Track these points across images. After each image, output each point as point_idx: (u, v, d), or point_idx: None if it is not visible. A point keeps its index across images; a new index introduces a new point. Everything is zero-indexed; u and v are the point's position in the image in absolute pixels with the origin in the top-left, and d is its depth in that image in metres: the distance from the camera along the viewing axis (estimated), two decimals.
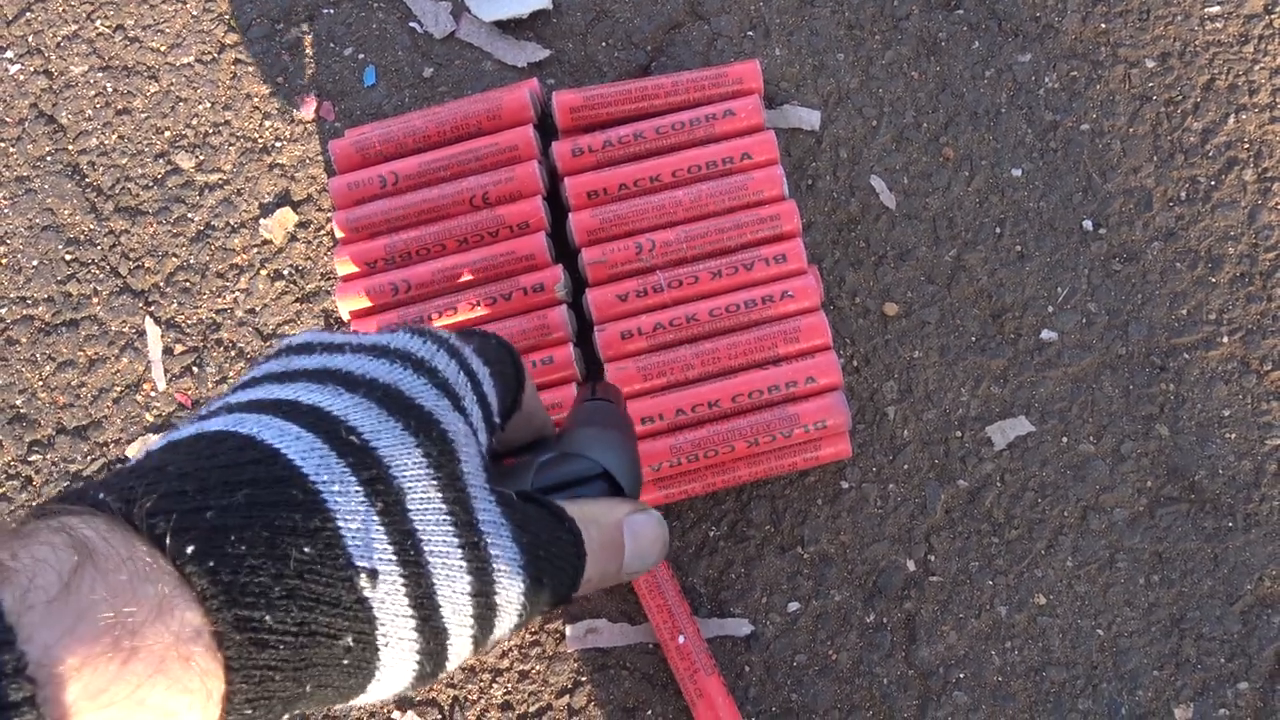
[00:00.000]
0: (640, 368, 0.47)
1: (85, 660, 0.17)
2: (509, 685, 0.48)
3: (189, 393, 0.52)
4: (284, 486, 0.21)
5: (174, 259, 0.54)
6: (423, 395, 0.25)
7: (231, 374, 0.53)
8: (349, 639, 0.22)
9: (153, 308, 0.54)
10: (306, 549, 0.21)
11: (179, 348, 0.53)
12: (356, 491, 0.22)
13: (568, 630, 0.48)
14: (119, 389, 0.53)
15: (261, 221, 0.54)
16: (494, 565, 0.24)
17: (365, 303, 0.49)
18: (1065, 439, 0.49)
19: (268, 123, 0.55)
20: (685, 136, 0.50)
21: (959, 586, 0.48)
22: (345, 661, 0.22)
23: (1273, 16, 0.53)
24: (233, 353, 0.53)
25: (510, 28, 0.55)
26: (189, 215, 0.54)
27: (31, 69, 0.57)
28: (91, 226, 0.55)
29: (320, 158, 0.54)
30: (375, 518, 0.22)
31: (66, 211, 0.55)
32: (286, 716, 0.22)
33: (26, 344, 0.53)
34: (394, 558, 0.22)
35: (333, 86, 0.55)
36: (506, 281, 0.49)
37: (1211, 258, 0.51)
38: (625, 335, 0.48)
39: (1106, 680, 0.47)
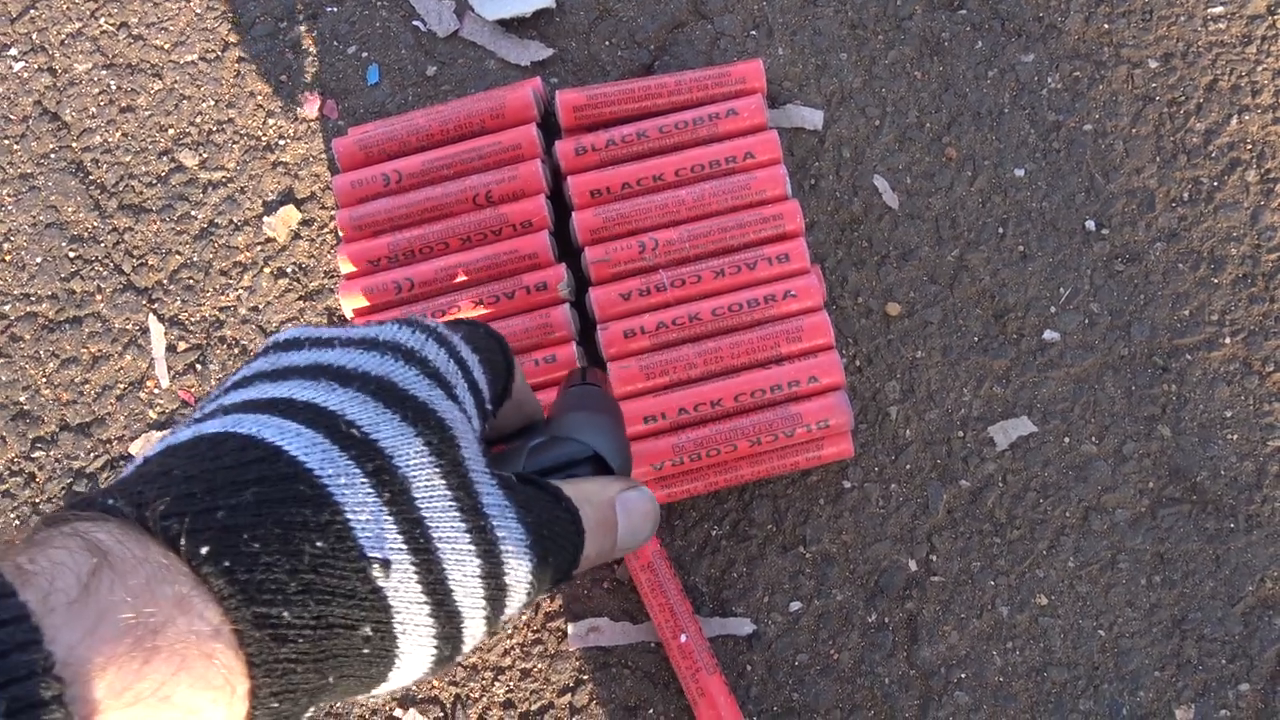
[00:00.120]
0: (643, 366, 0.47)
1: (109, 659, 0.17)
2: (511, 683, 0.48)
3: (192, 390, 0.53)
4: (291, 483, 0.21)
5: (177, 256, 0.54)
6: (416, 385, 0.26)
7: None
8: (367, 629, 0.22)
9: (156, 305, 0.54)
10: (319, 543, 0.21)
11: (182, 345, 0.53)
12: (362, 484, 0.22)
13: (570, 629, 0.48)
14: (122, 386, 0.53)
15: (265, 219, 0.54)
16: (501, 547, 0.25)
17: (368, 301, 0.49)
18: (1067, 439, 0.49)
19: (271, 121, 0.55)
20: (688, 136, 0.50)
21: (961, 586, 0.48)
22: (365, 651, 0.22)
23: (1275, 17, 0.53)
24: (236, 350, 0.53)
25: (513, 26, 0.55)
26: (192, 213, 0.54)
27: (35, 66, 0.57)
28: (95, 224, 0.55)
29: (323, 156, 0.55)
30: (383, 508, 0.22)
31: (70, 209, 0.55)
32: (312, 710, 0.22)
33: (30, 341, 0.54)
34: (404, 546, 0.23)
35: (336, 85, 0.55)
36: (509, 280, 0.49)
37: (1214, 259, 0.51)
38: (628, 334, 0.48)
39: (1108, 681, 0.47)
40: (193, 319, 0.53)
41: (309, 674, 0.21)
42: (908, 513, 0.49)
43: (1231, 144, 0.52)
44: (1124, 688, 0.46)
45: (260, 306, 0.53)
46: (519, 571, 0.25)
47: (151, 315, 0.54)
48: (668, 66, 0.54)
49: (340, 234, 0.51)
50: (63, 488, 0.52)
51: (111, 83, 0.56)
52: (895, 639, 0.47)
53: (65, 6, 0.57)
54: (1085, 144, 0.52)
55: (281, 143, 0.55)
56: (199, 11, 0.57)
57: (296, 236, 0.54)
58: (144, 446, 0.52)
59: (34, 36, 0.57)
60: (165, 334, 0.53)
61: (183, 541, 0.20)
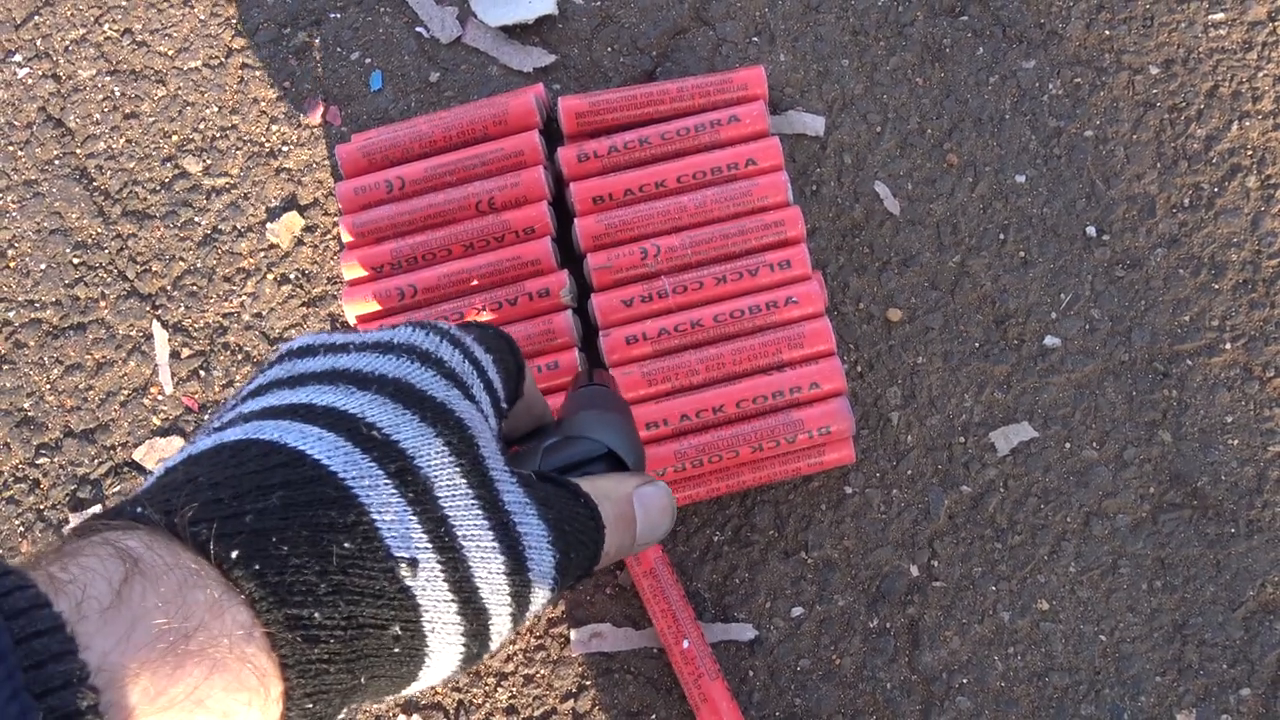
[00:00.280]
0: (645, 373, 0.47)
1: (143, 665, 0.17)
2: (514, 689, 0.48)
3: (196, 396, 0.53)
4: (316, 486, 0.22)
5: (181, 263, 0.54)
6: (433, 386, 0.26)
7: (238, 377, 0.53)
8: (396, 628, 0.22)
9: (160, 311, 0.54)
10: (346, 544, 0.21)
11: (186, 351, 0.53)
12: (386, 484, 0.23)
13: (572, 635, 0.48)
14: (126, 392, 0.53)
15: (268, 226, 0.54)
16: (524, 543, 0.25)
17: (372, 307, 0.49)
18: (1068, 445, 0.49)
19: (274, 127, 0.55)
20: (690, 142, 0.50)
21: (962, 592, 0.48)
22: (396, 650, 0.22)
23: (1276, 23, 0.53)
24: (239, 356, 0.53)
25: (516, 33, 0.55)
26: (196, 219, 0.55)
27: (40, 73, 0.57)
28: (99, 230, 0.55)
29: (327, 162, 0.55)
30: (407, 508, 0.23)
31: (74, 215, 0.55)
32: (345, 711, 0.23)
33: (34, 347, 0.54)
34: (430, 545, 0.23)
35: (339, 91, 0.55)
36: (512, 286, 0.49)
37: (1214, 264, 0.51)
38: (630, 340, 0.48)
39: (1109, 686, 0.47)
40: (196, 325, 0.54)
41: (341, 674, 0.21)
42: (909, 518, 0.49)
43: (1232, 150, 0.52)
44: (1125, 693, 0.47)
45: (264, 313, 0.53)
46: (543, 567, 0.26)
47: (155, 321, 0.54)
48: (670, 73, 0.54)
49: (344, 240, 0.51)
50: (66, 494, 0.52)
51: (115, 89, 0.56)
52: (897, 644, 0.48)
53: (69, 13, 0.58)
54: (1086, 150, 0.52)
55: (285, 149, 0.55)
56: (203, 18, 0.57)
57: (300, 243, 0.54)
58: (147, 453, 0.52)
59: (38, 43, 0.57)
60: (169, 340, 0.53)
61: (212, 546, 0.20)
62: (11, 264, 0.55)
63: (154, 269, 0.54)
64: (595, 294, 0.49)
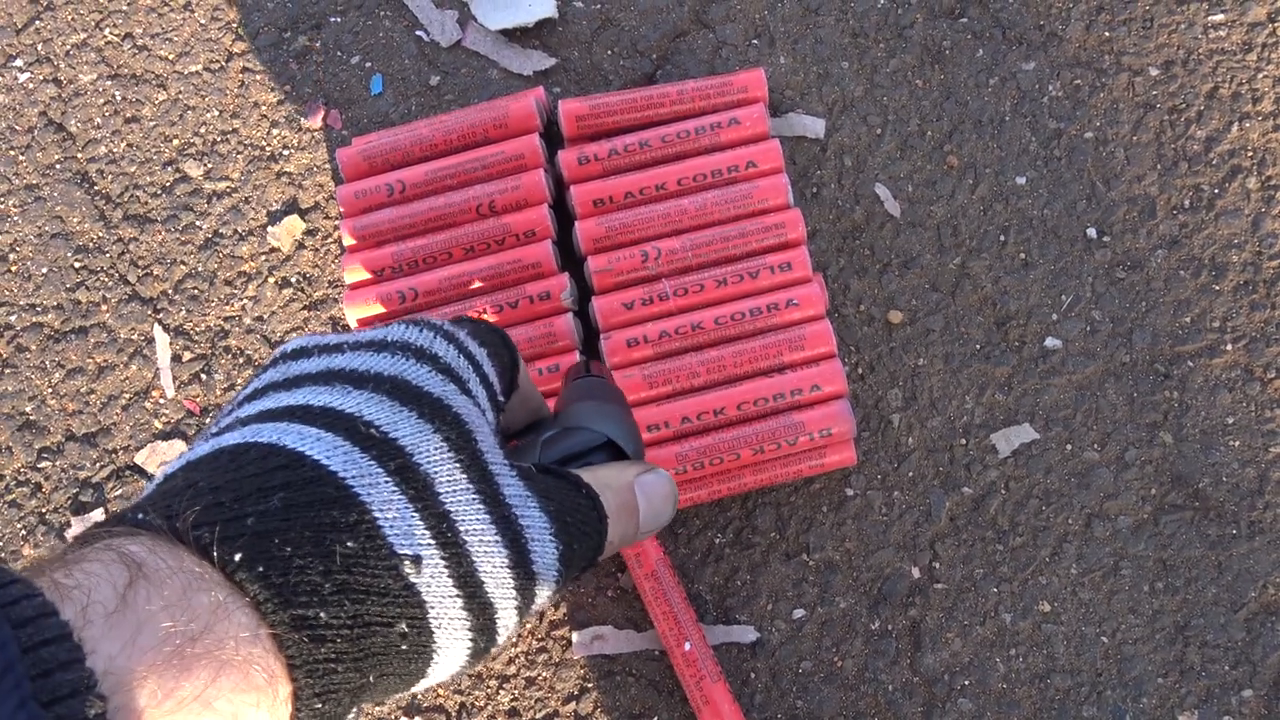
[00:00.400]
0: (646, 375, 0.47)
1: (150, 668, 0.17)
2: (515, 692, 0.48)
3: (197, 399, 0.53)
4: (317, 486, 0.22)
5: (182, 266, 0.54)
6: (429, 382, 0.26)
7: (240, 381, 0.53)
8: (403, 625, 0.22)
9: (161, 315, 0.54)
10: (349, 543, 0.21)
11: (187, 355, 0.53)
12: (386, 482, 0.23)
13: (574, 637, 0.48)
14: (128, 396, 0.53)
15: (269, 229, 0.54)
16: (526, 535, 0.25)
17: (373, 310, 0.49)
18: (1069, 446, 0.49)
19: (275, 131, 0.55)
20: (690, 145, 0.50)
21: (964, 593, 0.48)
22: (403, 647, 0.22)
23: (1276, 24, 0.53)
24: (241, 360, 0.53)
25: (516, 36, 0.55)
26: (197, 223, 0.55)
27: (41, 77, 0.57)
28: (100, 234, 0.55)
29: (327, 166, 0.55)
30: (409, 505, 0.23)
31: (75, 219, 0.55)
32: (355, 710, 0.23)
33: (36, 351, 0.54)
34: (433, 541, 0.23)
35: (340, 95, 0.55)
36: (513, 289, 0.49)
37: (1215, 266, 0.51)
38: (631, 343, 0.48)
39: (1111, 687, 0.47)
40: (198, 329, 0.54)
41: (349, 673, 0.21)
42: (910, 520, 0.49)
43: (1232, 151, 0.52)
44: (1127, 694, 0.47)
45: (265, 316, 0.53)
46: (546, 559, 0.26)
47: (157, 325, 0.54)
48: (670, 76, 0.54)
49: (345, 243, 0.51)
50: (69, 498, 0.52)
51: (116, 93, 0.57)
52: (899, 646, 0.48)
53: (70, 18, 0.58)
54: (1086, 152, 0.53)
55: (286, 153, 0.55)
56: (203, 22, 0.57)
57: (301, 246, 0.54)
58: (149, 456, 0.52)
59: (39, 47, 0.57)
60: (170, 344, 0.53)
61: (215, 550, 0.20)
62: (13, 268, 0.55)
63: (155, 273, 0.54)
64: (596, 297, 0.49)
